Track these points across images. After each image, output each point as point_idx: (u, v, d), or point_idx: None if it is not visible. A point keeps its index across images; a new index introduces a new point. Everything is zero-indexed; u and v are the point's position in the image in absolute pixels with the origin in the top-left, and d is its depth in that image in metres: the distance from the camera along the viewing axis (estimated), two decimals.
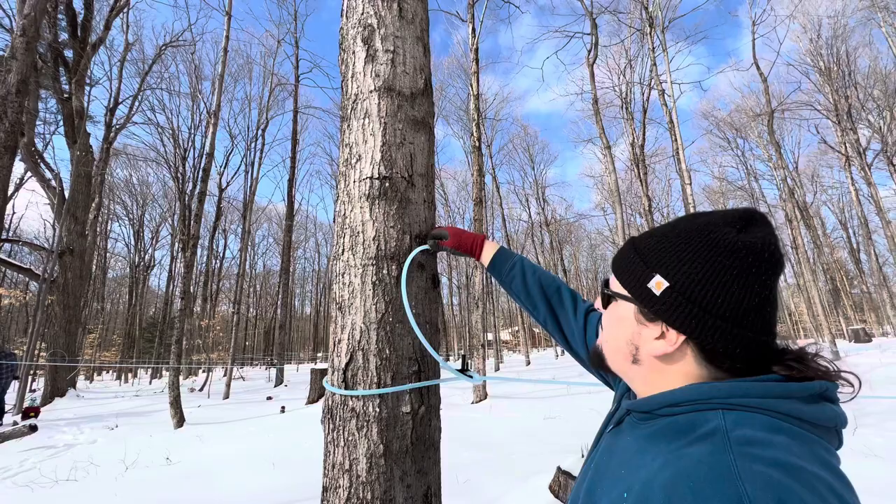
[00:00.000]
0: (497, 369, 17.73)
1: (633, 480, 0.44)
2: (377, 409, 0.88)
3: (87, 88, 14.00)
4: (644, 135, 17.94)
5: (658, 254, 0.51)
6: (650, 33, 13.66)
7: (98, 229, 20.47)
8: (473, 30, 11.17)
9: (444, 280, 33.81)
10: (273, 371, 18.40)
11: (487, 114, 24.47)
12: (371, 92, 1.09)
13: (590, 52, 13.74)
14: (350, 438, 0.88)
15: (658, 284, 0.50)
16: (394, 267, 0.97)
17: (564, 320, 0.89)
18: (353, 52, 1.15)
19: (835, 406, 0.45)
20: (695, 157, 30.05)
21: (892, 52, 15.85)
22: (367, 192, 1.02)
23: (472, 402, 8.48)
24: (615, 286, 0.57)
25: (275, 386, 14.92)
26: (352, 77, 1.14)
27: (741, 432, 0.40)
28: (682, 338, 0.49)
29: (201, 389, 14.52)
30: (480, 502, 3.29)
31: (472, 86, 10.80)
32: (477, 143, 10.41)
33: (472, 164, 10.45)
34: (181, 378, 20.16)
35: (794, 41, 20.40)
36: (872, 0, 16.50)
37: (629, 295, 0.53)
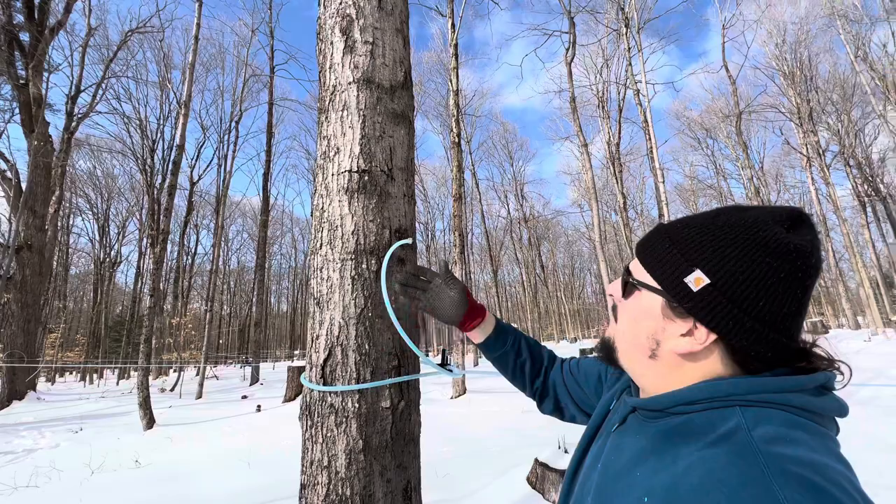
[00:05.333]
0: (476, 364, 17.87)
1: (652, 484, 0.42)
2: (356, 405, 0.88)
3: (46, 75, 13.23)
4: (620, 133, 18.34)
5: (699, 247, 0.47)
6: (626, 33, 13.94)
7: (59, 224, 19.48)
8: (453, 25, 11.13)
9: None
10: (248, 370, 18.01)
11: (467, 110, 24.50)
12: (350, 84, 1.07)
13: (568, 50, 13.92)
14: (329, 435, 0.87)
15: (697, 280, 0.46)
16: (373, 261, 0.96)
17: (553, 370, 0.92)
18: (332, 43, 1.13)
19: (836, 396, 0.46)
20: (667, 156, 30.95)
21: (850, 58, 16.68)
22: (345, 186, 1.00)
23: (452, 398, 8.54)
24: (642, 276, 0.52)
25: (250, 385, 14.60)
26: (330, 68, 1.11)
27: (763, 430, 0.40)
28: (713, 337, 0.46)
29: (172, 389, 14.06)
30: (460, 495, 3.33)
31: (451, 81, 10.77)
32: (456, 139, 10.40)
33: (452, 159, 10.45)
34: (151, 378, 19.47)
35: (761, 45, 21.24)
36: (832, 8, 17.31)
37: (660, 288, 0.50)
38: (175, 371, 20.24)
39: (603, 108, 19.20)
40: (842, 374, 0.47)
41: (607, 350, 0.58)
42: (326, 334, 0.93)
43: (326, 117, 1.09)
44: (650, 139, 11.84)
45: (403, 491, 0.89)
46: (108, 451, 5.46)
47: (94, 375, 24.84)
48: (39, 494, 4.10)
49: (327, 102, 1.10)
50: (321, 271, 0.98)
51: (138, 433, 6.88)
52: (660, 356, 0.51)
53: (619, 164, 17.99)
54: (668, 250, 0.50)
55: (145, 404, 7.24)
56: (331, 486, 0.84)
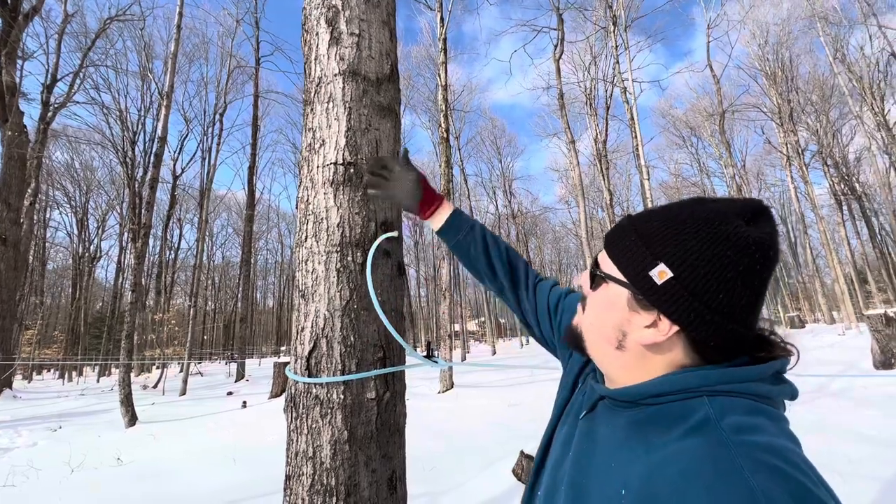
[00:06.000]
0: (464, 359, 17.97)
1: (628, 475, 0.43)
2: (342, 396, 0.88)
3: (20, 62, 12.77)
4: (607, 131, 18.53)
5: (663, 240, 0.48)
6: (614, 31, 14.04)
7: (35, 217, 18.90)
8: (442, 19, 11.07)
9: (411, 272, 33.73)
10: (233, 366, 17.79)
11: (456, 105, 24.44)
12: (335, 75, 1.07)
13: (556, 47, 13.97)
14: (314, 426, 0.87)
15: (661, 274, 0.47)
16: (359, 254, 0.96)
17: (521, 286, 0.88)
18: (317, 34, 1.12)
19: (790, 381, 0.49)
20: (652, 154, 31.38)
21: (829, 59, 17.10)
22: (331, 178, 1.00)
23: (439, 392, 8.57)
24: (609, 268, 0.53)
25: (235, 381, 14.44)
26: (315, 59, 1.11)
27: (730, 420, 0.42)
28: (676, 329, 0.48)
29: (155, 386, 13.82)
30: (446, 488, 3.36)
31: (440, 76, 10.72)
32: (445, 135, 10.38)
33: (441, 155, 10.43)
34: (133, 375, 19.09)
35: (744, 46, 21.61)
36: (813, 10, 17.70)
37: (626, 281, 0.51)
38: (158, 368, 19.88)
39: (590, 105, 19.35)
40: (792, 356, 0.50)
41: (575, 339, 0.59)
42: (312, 326, 0.93)
43: (312, 109, 1.08)
44: (636, 137, 11.99)
45: (388, 481, 0.90)
46: (88, 449, 5.35)
47: (74, 373, 24.25)
48: (17, 494, 4.00)
49: (313, 94, 1.09)
50: (306, 263, 0.98)
51: (120, 431, 6.75)
52: (626, 347, 0.52)
53: (606, 162, 18.18)
54: (633, 243, 0.51)
55: (127, 401, 7.10)
56: (316, 477, 0.84)
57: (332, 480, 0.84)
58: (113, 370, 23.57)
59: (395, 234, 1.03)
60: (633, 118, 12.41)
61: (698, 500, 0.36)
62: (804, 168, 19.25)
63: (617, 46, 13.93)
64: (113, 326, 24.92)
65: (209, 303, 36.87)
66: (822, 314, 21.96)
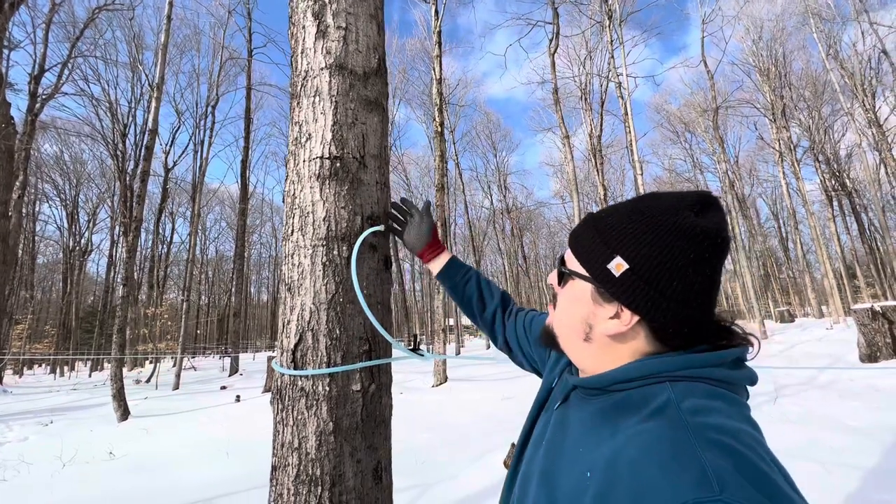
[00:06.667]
0: (458, 353, 18.04)
1: (594, 458, 0.45)
2: (327, 388, 0.89)
3: (6, 52, 12.51)
4: (602, 126, 18.53)
5: (619, 235, 0.51)
6: (609, 26, 14.02)
7: (24, 210, 18.63)
8: (436, 12, 10.98)
9: (406, 266, 33.71)
10: (227, 360, 17.74)
11: (451, 99, 24.31)
12: (322, 69, 1.07)
13: (551, 41, 13.92)
14: (299, 417, 0.88)
15: (618, 266, 0.50)
16: (344, 248, 0.97)
17: (508, 312, 1.00)
18: (304, 27, 1.11)
19: (749, 367, 0.51)
20: (647, 149, 31.49)
21: (822, 56, 17.20)
22: (317, 172, 1.00)
23: (433, 386, 8.62)
24: (573, 264, 0.56)
25: (229, 375, 14.42)
26: (302, 53, 1.10)
27: (689, 403, 0.44)
28: (636, 318, 0.50)
29: (148, 381, 13.78)
30: (437, 479, 3.39)
31: (434, 70, 10.66)
32: (439, 129, 10.34)
33: (435, 149, 10.40)
34: (126, 370, 19.00)
35: (738, 41, 21.65)
36: (806, 6, 17.76)
37: (588, 275, 0.53)
38: (151, 362, 19.79)
39: (585, 100, 19.33)
40: (752, 345, 0.52)
41: (550, 336, 0.62)
42: (297, 319, 0.94)
43: (298, 103, 1.08)
44: (630, 132, 12.02)
45: (374, 471, 0.92)
46: (80, 443, 5.34)
47: (66, 367, 24.07)
48: (8, 488, 3.99)
49: (299, 88, 1.09)
50: (292, 257, 0.99)
51: (112, 425, 6.74)
52: (593, 339, 0.54)
53: (601, 157, 18.21)
54: (593, 239, 0.54)
55: (119, 396, 7.08)
56: (301, 467, 0.86)
57: (318, 471, 0.85)
58: (105, 365, 23.40)
59: (381, 228, 1.04)
60: (626, 113, 12.44)
61: (653, 476, 0.38)
62: (796, 164, 19.42)
63: (612, 41, 13.91)
64: (105, 321, 24.71)
65: (203, 297, 36.63)
66: (812, 308, 22.27)
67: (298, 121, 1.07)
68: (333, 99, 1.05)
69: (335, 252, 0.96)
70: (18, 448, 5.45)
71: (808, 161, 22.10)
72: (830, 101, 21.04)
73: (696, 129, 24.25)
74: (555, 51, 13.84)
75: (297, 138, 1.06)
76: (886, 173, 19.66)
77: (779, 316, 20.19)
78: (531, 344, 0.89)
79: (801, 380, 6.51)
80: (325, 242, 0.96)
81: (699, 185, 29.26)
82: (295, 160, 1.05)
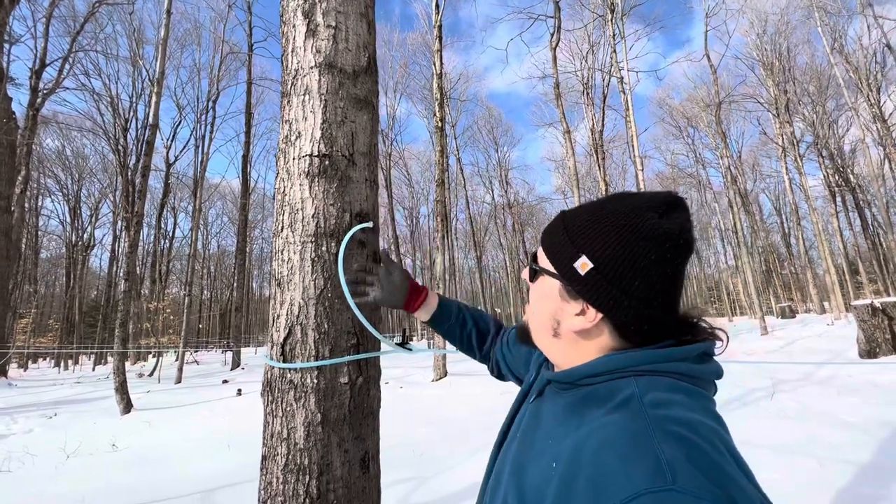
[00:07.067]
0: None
1: (560, 448, 0.46)
2: (315, 381, 0.92)
3: (7, 46, 12.53)
4: (603, 121, 18.45)
5: (586, 234, 0.53)
6: (611, 19, 13.91)
7: (27, 205, 18.71)
8: (437, 5, 10.92)
9: (408, 262, 33.75)
10: (229, 355, 17.87)
11: (452, 93, 24.21)
12: (311, 68, 1.08)
13: (553, 35, 13.82)
14: (288, 409, 0.91)
15: (583, 265, 0.52)
16: (333, 244, 0.99)
17: (500, 335, 1.01)
18: (294, 26, 1.13)
19: (714, 361, 0.53)
20: (649, 144, 31.31)
21: (826, 50, 17.04)
22: (306, 170, 1.02)
23: (433, 380, 8.67)
24: (543, 262, 0.58)
25: (231, 369, 14.53)
26: (292, 52, 1.12)
27: (651, 396, 0.45)
28: (600, 316, 0.52)
29: (151, 374, 13.89)
30: (435, 472, 3.43)
31: (435, 64, 10.62)
32: (440, 124, 10.32)
33: (436, 144, 10.38)
34: (129, 364, 19.15)
35: (742, 35, 21.46)
36: (811, 0, 17.57)
37: (556, 272, 0.55)
38: (154, 356, 19.94)
39: (587, 94, 19.23)
40: (721, 340, 0.54)
41: (525, 332, 0.64)
42: (287, 314, 0.96)
43: (288, 101, 1.10)
44: (631, 127, 11.97)
45: (361, 461, 0.94)
46: (83, 435, 5.41)
47: (69, 361, 24.28)
48: (12, 479, 4.06)
49: (289, 86, 1.11)
50: (282, 253, 1.01)
51: (115, 418, 6.81)
52: (561, 334, 0.57)
53: (603, 152, 18.15)
54: (561, 238, 0.56)
55: (122, 389, 7.16)
56: (290, 457, 0.88)
57: (306, 460, 0.88)
58: (108, 359, 23.60)
59: (369, 224, 1.06)
60: (628, 108, 12.38)
61: (612, 466, 0.39)
62: (799, 159, 19.32)
63: (614, 35, 13.81)
64: (108, 315, 24.88)
65: (205, 292, 36.81)
66: (814, 304, 22.23)
67: (288, 119, 1.08)
68: (323, 97, 1.06)
69: (324, 248, 0.98)
70: (23, 440, 5.53)
71: (811, 156, 21.96)
72: (835, 95, 20.87)
73: (699, 124, 24.11)
74: (556, 45, 13.75)
75: (287, 136, 1.08)
76: (891, 168, 19.56)
77: (780, 311, 20.19)
78: (514, 354, 0.90)
79: (800, 375, 6.52)
80: (313, 239, 0.98)
81: (701, 180, 29.14)
82: (285, 158, 1.07)
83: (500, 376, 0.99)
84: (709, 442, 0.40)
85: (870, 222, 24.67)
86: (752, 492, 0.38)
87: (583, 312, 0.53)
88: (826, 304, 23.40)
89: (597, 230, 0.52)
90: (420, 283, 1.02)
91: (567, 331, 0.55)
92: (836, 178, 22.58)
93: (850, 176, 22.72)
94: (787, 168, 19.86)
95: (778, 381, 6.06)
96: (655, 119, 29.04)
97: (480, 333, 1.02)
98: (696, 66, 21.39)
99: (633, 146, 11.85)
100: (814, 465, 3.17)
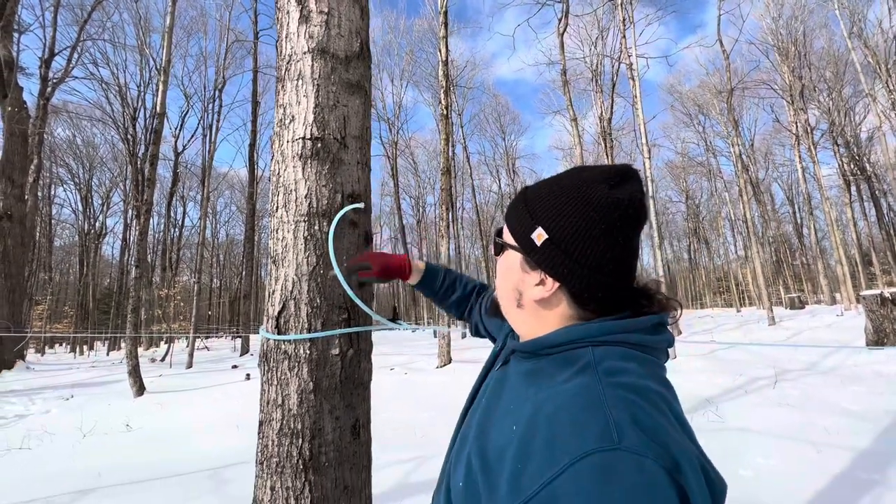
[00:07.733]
0: (464, 336, 18.25)
1: (520, 413, 0.49)
2: (308, 352, 0.97)
3: (16, 36, 12.66)
4: (612, 108, 18.17)
5: (542, 206, 0.56)
6: (622, 4, 13.61)
7: (39, 194, 19.04)
8: None
9: (414, 250, 33.84)
10: (238, 341, 18.21)
11: (459, 81, 23.96)
12: (305, 53, 1.11)
13: (560, 20, 13.57)
14: (282, 377, 0.97)
15: (539, 236, 0.55)
16: (325, 223, 1.04)
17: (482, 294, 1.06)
18: (288, 13, 1.16)
19: (667, 330, 0.56)
20: (659, 132, 30.82)
21: (844, 34, 16.54)
22: (299, 153, 1.06)
23: (437, 367, 8.79)
24: (506, 236, 0.61)
25: (240, 355, 14.82)
26: (286, 37, 1.15)
27: (606, 364, 0.48)
28: (557, 285, 0.55)
29: (163, 360, 14.23)
30: (434, 453, 3.52)
31: (440, 51, 10.53)
32: (445, 112, 10.27)
33: (441, 132, 10.35)
34: (142, 349, 19.61)
35: (757, 19, 20.88)
36: None
37: (516, 245, 0.58)
38: (165, 342, 20.39)
39: (596, 81, 18.93)
40: (675, 310, 0.57)
41: (496, 305, 0.68)
42: (281, 289, 1.02)
43: (283, 86, 1.14)
44: (639, 115, 11.80)
45: (352, 427, 1.00)
46: (98, 416, 5.60)
47: (84, 346, 24.91)
48: (32, 455, 4.24)
49: (283, 71, 1.14)
50: (277, 232, 1.06)
51: (129, 400, 7.02)
52: (524, 304, 0.59)
53: (611, 140, 17.93)
54: (521, 211, 0.59)
55: (135, 372, 7.36)
56: (284, 422, 0.94)
57: (299, 425, 0.94)
58: (122, 344, 24.16)
59: (361, 205, 1.10)
60: (636, 96, 12.18)
61: (564, 428, 0.43)
62: (813, 148, 18.91)
63: (624, 20, 13.52)
64: (121, 302, 25.40)
65: (214, 280, 37.34)
66: (824, 296, 21.97)
67: (283, 103, 1.12)
68: (315, 82, 1.10)
69: (316, 227, 1.03)
70: (41, 420, 5.75)
71: (825, 145, 21.47)
72: (852, 81, 20.30)
73: (711, 111, 23.65)
74: (563, 31, 13.51)
75: (281, 120, 1.12)
76: None
77: (789, 302, 19.98)
78: (490, 318, 0.94)
79: (804, 365, 6.51)
80: (306, 218, 1.03)
81: (712, 168, 28.67)
82: (280, 141, 1.11)
83: (477, 335, 1.04)
84: (655, 406, 0.44)
85: (885, 212, 24.18)
86: (692, 449, 0.41)
87: (542, 282, 0.56)
88: (837, 295, 23.12)
89: (552, 203, 0.55)
90: (400, 255, 1.08)
91: (529, 301, 0.59)
92: (852, 166, 22.10)
93: (867, 165, 22.22)
94: (800, 157, 19.46)
95: (782, 370, 6.06)
96: (665, 106, 28.54)
97: (462, 297, 1.08)
98: (709, 51, 20.92)
99: (641, 134, 11.69)
100: (810, 451, 3.20)
